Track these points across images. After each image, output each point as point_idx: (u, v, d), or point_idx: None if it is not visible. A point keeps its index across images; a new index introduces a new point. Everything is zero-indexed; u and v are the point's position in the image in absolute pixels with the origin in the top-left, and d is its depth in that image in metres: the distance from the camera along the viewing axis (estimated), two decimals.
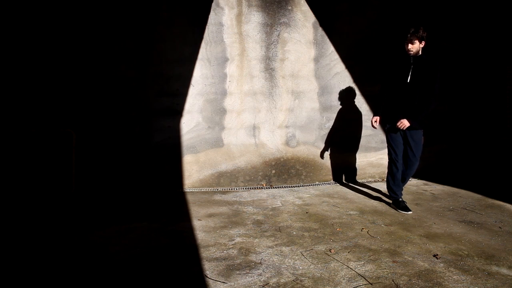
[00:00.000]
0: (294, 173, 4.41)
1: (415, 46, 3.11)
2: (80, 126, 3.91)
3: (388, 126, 3.35)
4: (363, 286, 1.92)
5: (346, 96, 4.47)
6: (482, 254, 2.33)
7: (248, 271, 2.09)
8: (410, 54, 3.15)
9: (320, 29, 4.38)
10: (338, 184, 4.41)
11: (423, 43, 3.12)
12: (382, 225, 2.90)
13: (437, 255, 2.29)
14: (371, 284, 1.93)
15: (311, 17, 4.35)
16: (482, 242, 2.52)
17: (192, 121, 4.17)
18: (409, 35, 3.08)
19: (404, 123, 3.14)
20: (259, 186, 4.31)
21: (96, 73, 3.93)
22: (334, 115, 4.47)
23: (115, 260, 2.22)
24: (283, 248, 2.43)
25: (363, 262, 2.20)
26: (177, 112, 4.13)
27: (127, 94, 4.01)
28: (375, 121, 3.42)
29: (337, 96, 4.46)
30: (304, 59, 4.36)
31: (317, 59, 4.40)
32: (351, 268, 2.12)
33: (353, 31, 4.45)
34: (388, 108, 3.36)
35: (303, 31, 4.34)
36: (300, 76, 4.36)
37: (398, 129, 3.27)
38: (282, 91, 4.33)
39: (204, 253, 2.34)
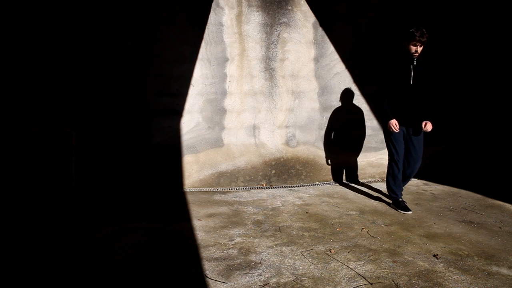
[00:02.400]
0: (294, 173, 4.41)
1: (421, 49, 3.11)
2: (80, 126, 3.91)
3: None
4: (363, 286, 1.92)
5: (346, 96, 4.47)
6: (482, 254, 2.33)
7: (248, 271, 2.09)
8: (415, 56, 3.14)
9: (320, 29, 4.38)
10: (338, 184, 4.41)
11: None
12: (382, 225, 2.90)
13: (437, 255, 2.29)
14: (371, 284, 1.93)
15: (311, 17, 4.35)
16: (482, 242, 2.52)
17: (192, 121, 4.16)
18: (419, 37, 3.03)
19: (431, 126, 3.14)
20: (259, 186, 4.31)
21: (96, 73, 3.93)
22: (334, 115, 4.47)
23: (115, 260, 2.22)
24: (283, 248, 2.43)
25: (363, 262, 2.20)
26: (177, 112, 4.12)
27: (127, 94, 4.01)
28: (395, 124, 3.20)
29: (337, 96, 4.46)
30: (304, 59, 4.36)
31: (317, 59, 4.40)
32: (351, 268, 2.12)
33: (353, 31, 4.46)
34: (391, 109, 3.32)
35: (303, 31, 4.33)
36: (300, 76, 4.36)
37: (402, 130, 3.26)
38: (282, 91, 4.33)
39: (204, 253, 2.33)
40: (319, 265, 2.16)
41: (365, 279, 1.99)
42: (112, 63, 3.95)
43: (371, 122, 4.59)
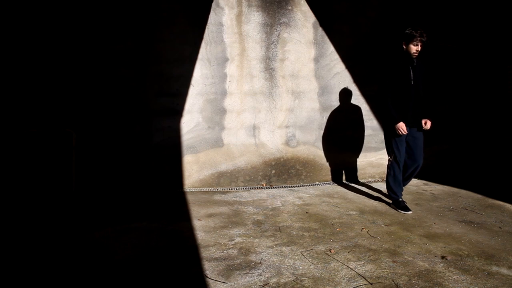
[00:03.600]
0: (294, 173, 4.41)
1: (421, 48, 3.13)
2: (80, 126, 3.91)
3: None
4: (363, 286, 1.92)
5: (346, 96, 4.47)
6: (482, 254, 2.33)
7: (248, 271, 2.09)
8: (415, 55, 3.15)
9: (320, 29, 4.38)
10: (338, 184, 4.41)
11: None
12: (382, 225, 2.90)
13: (445, 256, 2.29)
14: (371, 284, 1.93)
15: (311, 17, 4.35)
16: (482, 242, 2.52)
17: (192, 121, 4.16)
18: (419, 37, 3.05)
19: (430, 124, 3.22)
20: (259, 186, 4.31)
21: (96, 73, 3.93)
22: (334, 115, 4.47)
23: (115, 260, 2.22)
24: (283, 248, 2.43)
25: (363, 262, 2.20)
26: (177, 112, 4.12)
27: (127, 94, 4.01)
28: (403, 126, 3.14)
29: (337, 96, 4.46)
30: (304, 59, 4.36)
31: (317, 59, 4.40)
32: (351, 268, 2.12)
33: (353, 31, 4.46)
34: (394, 109, 3.31)
35: (303, 31, 4.33)
36: (300, 76, 4.36)
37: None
38: (282, 91, 4.33)
39: (204, 253, 2.33)
40: (319, 265, 2.16)
41: (365, 279, 1.99)
42: (112, 63, 3.95)
43: (371, 122, 4.59)
